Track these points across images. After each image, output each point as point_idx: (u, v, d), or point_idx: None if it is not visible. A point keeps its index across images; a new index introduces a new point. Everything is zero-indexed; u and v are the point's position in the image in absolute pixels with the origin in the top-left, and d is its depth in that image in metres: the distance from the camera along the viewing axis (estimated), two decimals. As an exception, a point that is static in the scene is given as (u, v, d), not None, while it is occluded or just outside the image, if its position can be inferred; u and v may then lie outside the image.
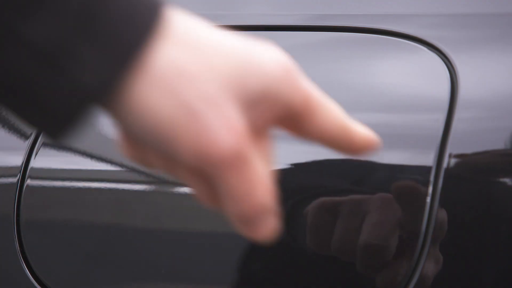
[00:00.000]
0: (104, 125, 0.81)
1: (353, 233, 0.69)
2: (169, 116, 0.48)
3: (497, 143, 0.70)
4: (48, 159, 0.87)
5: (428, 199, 0.68)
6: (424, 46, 0.78)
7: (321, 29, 0.84)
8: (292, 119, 0.52)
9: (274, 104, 0.51)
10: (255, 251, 0.76)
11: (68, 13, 0.45)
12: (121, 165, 0.84)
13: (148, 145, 0.50)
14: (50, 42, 0.45)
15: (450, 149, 0.69)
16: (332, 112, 0.53)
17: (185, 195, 0.81)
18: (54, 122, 0.47)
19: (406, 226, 0.69)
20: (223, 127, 0.48)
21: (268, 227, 0.50)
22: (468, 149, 0.69)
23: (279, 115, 0.51)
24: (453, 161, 0.69)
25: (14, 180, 0.87)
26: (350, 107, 0.87)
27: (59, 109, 0.46)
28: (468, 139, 0.70)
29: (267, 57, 0.51)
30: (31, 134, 0.87)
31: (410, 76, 0.78)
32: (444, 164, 0.68)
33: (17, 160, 0.87)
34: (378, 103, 0.85)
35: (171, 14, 0.49)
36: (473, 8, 0.81)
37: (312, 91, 0.52)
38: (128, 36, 0.46)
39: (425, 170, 0.70)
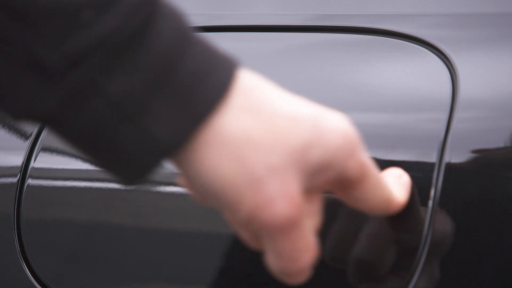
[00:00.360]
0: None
1: (348, 241, 0.69)
2: (233, 180, 0.49)
3: (498, 143, 0.70)
4: (49, 159, 0.87)
5: (430, 203, 0.68)
6: (424, 46, 0.78)
7: (323, 30, 0.84)
8: (343, 185, 0.54)
9: (332, 172, 0.52)
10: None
11: (147, 70, 0.47)
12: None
13: (207, 196, 0.51)
14: (129, 97, 0.47)
15: (451, 149, 0.69)
16: (380, 185, 0.56)
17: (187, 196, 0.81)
18: (129, 169, 0.49)
19: (405, 239, 0.69)
20: (282, 197, 0.50)
21: (304, 277, 0.53)
22: (469, 149, 0.69)
23: (334, 181, 0.53)
24: (453, 161, 0.69)
25: (14, 180, 0.87)
26: (351, 107, 0.88)
27: (134, 159, 0.48)
28: (468, 139, 0.70)
29: (332, 127, 0.52)
30: (31, 134, 0.87)
31: (410, 76, 0.78)
32: (444, 164, 0.68)
33: (17, 160, 0.87)
34: (378, 103, 0.85)
35: (243, 75, 0.50)
36: (473, 8, 0.81)
37: (368, 163, 0.54)
38: (202, 95, 0.48)
39: (427, 170, 0.70)
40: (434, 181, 0.69)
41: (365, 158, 0.54)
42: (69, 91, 0.46)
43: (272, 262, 0.53)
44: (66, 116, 0.47)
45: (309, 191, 0.52)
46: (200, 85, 0.48)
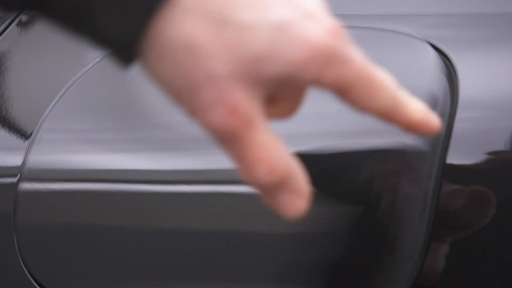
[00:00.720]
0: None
1: None
2: (175, 87, 0.48)
3: (498, 143, 0.70)
4: (48, 159, 0.87)
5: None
6: (425, 46, 0.78)
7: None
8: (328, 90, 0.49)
9: (302, 83, 0.48)
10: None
11: None
12: (119, 166, 0.84)
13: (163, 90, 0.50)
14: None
15: (451, 149, 0.69)
16: (379, 90, 0.49)
17: (183, 196, 0.81)
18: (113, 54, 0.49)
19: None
20: (219, 105, 0.47)
21: (292, 201, 0.48)
22: (469, 149, 0.69)
23: (312, 87, 0.48)
24: (453, 161, 0.69)
25: (14, 180, 0.87)
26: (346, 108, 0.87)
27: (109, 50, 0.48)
28: (468, 139, 0.70)
29: (298, 40, 0.47)
30: (31, 133, 0.87)
31: (410, 76, 0.78)
32: (445, 164, 0.68)
33: (17, 160, 0.87)
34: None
35: None
36: (473, 8, 0.81)
37: (355, 69, 0.48)
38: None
39: (426, 170, 0.70)
40: (434, 180, 0.69)
41: (350, 67, 0.48)
42: None
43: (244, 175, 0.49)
44: (43, 13, 0.48)
45: (279, 96, 0.49)
46: None
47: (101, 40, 0.48)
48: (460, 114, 0.70)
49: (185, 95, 0.48)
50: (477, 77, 0.74)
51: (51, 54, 0.91)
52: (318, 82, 0.47)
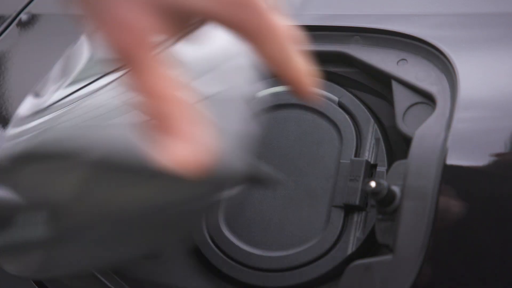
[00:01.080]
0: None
1: None
2: None
3: (498, 144, 0.70)
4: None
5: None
6: (425, 46, 0.78)
7: (327, 29, 0.84)
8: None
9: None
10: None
11: None
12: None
13: None
14: None
15: (450, 149, 0.69)
16: (273, 42, 0.51)
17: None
18: None
19: None
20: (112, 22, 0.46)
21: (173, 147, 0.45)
22: (468, 149, 0.69)
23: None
24: (453, 161, 0.68)
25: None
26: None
27: None
28: (468, 139, 0.70)
29: None
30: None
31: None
32: (445, 164, 0.68)
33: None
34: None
35: None
36: (473, 8, 0.81)
37: (255, 18, 0.49)
38: None
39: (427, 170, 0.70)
40: (434, 179, 0.69)
41: (255, 15, 0.49)
42: None
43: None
44: None
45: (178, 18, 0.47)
46: None
47: None
48: (460, 114, 0.70)
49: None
50: (477, 77, 0.74)
51: (51, 54, 0.91)
52: (220, 20, 0.47)
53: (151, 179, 0.52)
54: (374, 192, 0.68)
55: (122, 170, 0.56)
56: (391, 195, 0.69)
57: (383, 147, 0.80)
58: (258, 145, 0.85)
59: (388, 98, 0.82)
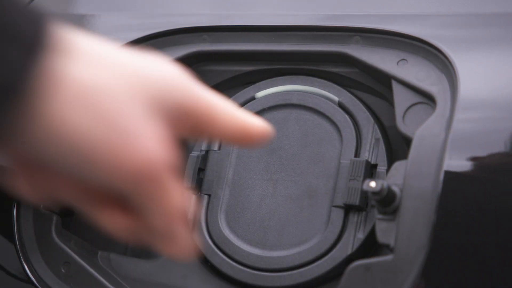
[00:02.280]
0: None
1: None
2: (89, 129, 0.47)
3: (498, 144, 0.70)
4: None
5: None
6: (425, 46, 0.78)
7: (327, 29, 0.84)
8: (194, 125, 0.53)
9: (186, 116, 0.52)
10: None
11: None
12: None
13: (60, 167, 0.48)
14: None
15: (450, 149, 0.69)
16: (229, 115, 0.54)
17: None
18: None
19: None
20: (146, 139, 0.48)
21: (186, 243, 0.52)
22: (468, 150, 0.69)
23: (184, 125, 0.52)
24: (453, 161, 0.68)
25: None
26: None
27: None
28: (468, 139, 0.70)
29: (171, 73, 0.52)
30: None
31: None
32: (445, 164, 0.68)
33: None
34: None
35: (65, 32, 0.48)
36: (473, 8, 0.81)
37: (205, 95, 0.54)
38: (28, 31, 0.45)
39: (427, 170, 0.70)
40: (433, 179, 0.69)
41: (201, 91, 0.54)
42: None
43: (149, 222, 0.51)
44: None
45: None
46: (22, 25, 0.45)
47: None
48: (460, 115, 0.70)
49: (104, 137, 0.47)
50: (477, 77, 0.74)
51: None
52: (186, 103, 0.52)
53: None
54: (374, 192, 0.68)
55: None
56: (391, 195, 0.69)
57: (383, 147, 0.80)
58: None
59: (388, 98, 0.82)
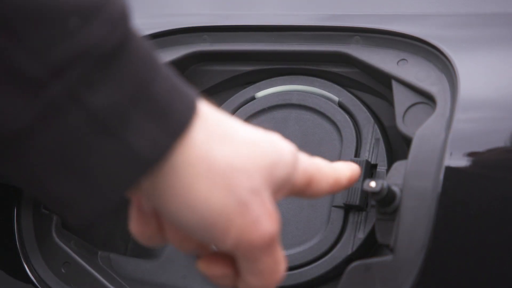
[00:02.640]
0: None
1: None
2: (222, 206, 0.51)
3: (498, 144, 0.69)
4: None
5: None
6: (425, 46, 0.78)
7: (327, 29, 0.84)
8: (297, 193, 0.60)
9: (288, 185, 0.57)
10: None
11: (126, 84, 0.47)
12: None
13: (179, 226, 0.52)
14: (109, 110, 0.46)
15: (450, 149, 0.69)
16: (326, 178, 0.61)
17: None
18: (92, 198, 0.47)
19: None
20: (265, 215, 0.53)
21: None
22: (468, 150, 0.69)
23: (288, 193, 0.58)
24: (453, 161, 0.68)
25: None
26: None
27: (106, 179, 0.47)
28: (468, 139, 0.70)
29: (283, 147, 0.56)
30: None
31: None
32: (445, 164, 0.68)
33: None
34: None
35: (204, 104, 0.52)
36: (473, 8, 0.81)
37: (311, 168, 0.59)
38: (178, 111, 0.49)
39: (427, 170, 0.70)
40: (433, 179, 0.69)
41: (307, 165, 0.59)
42: (49, 103, 0.44)
43: (251, 282, 0.55)
44: (38, 132, 0.44)
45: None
46: (174, 102, 0.49)
47: (126, 155, 0.47)
48: (460, 115, 0.70)
49: (233, 217, 0.51)
50: (477, 77, 0.74)
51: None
52: (296, 179, 0.57)
53: None
54: (374, 192, 0.68)
55: None
56: (391, 195, 0.69)
57: (383, 147, 0.80)
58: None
59: (388, 98, 0.82)
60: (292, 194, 0.59)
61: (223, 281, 0.57)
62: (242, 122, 0.55)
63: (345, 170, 0.64)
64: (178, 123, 0.49)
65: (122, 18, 0.47)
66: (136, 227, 0.55)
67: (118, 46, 0.46)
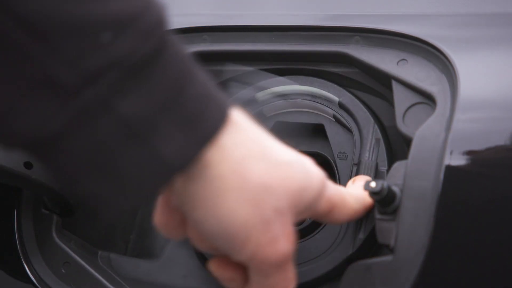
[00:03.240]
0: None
1: None
2: (246, 222, 0.53)
3: (498, 144, 0.70)
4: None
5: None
6: (425, 46, 0.78)
7: (327, 29, 0.84)
8: (318, 217, 0.63)
9: (311, 211, 0.59)
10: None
11: (157, 92, 0.48)
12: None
13: (202, 232, 0.54)
14: (139, 117, 0.48)
15: (450, 149, 0.69)
16: (347, 209, 0.64)
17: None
18: (123, 196, 0.49)
19: None
20: (284, 235, 0.55)
21: None
22: (468, 150, 0.69)
23: (310, 216, 0.61)
24: (453, 161, 0.68)
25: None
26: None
27: (135, 181, 0.49)
28: (468, 139, 0.70)
29: (313, 171, 0.58)
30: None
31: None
32: (445, 165, 0.68)
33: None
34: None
35: (240, 117, 0.54)
36: (473, 8, 0.81)
37: (335, 197, 0.62)
38: (207, 119, 0.50)
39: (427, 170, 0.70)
40: (433, 179, 0.69)
41: (332, 194, 0.61)
42: (81, 110, 0.46)
43: None
44: (70, 137, 0.46)
45: None
46: (204, 110, 0.50)
47: (153, 161, 0.49)
48: (460, 114, 0.70)
49: (253, 232, 0.53)
50: (477, 77, 0.74)
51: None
52: (319, 206, 0.60)
53: None
54: (374, 192, 0.68)
55: None
56: (391, 195, 0.69)
57: (383, 147, 0.80)
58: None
59: (388, 98, 0.82)
60: (311, 217, 0.61)
61: (231, 284, 0.58)
62: (275, 139, 0.56)
63: (366, 202, 0.68)
64: (206, 131, 0.50)
65: (157, 27, 0.48)
66: (160, 218, 0.56)
67: (151, 54, 0.48)
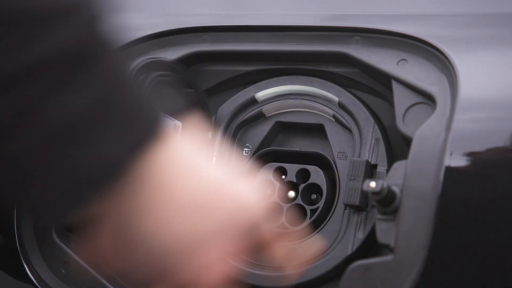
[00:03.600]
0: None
1: None
2: (178, 238, 0.52)
3: (498, 144, 0.70)
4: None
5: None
6: (425, 46, 0.78)
7: (327, 29, 0.84)
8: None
9: (253, 237, 0.57)
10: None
11: (96, 91, 0.48)
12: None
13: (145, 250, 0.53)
14: (79, 117, 0.47)
15: (450, 149, 0.69)
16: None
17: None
18: (58, 204, 0.48)
19: None
20: (218, 260, 0.55)
21: None
22: (468, 150, 0.69)
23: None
24: (453, 161, 0.68)
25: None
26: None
27: (74, 184, 0.48)
28: (468, 139, 0.70)
29: (249, 195, 0.56)
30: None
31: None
32: (445, 165, 0.68)
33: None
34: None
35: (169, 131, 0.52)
36: (473, 8, 0.81)
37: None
38: (144, 122, 0.50)
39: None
40: (433, 179, 0.69)
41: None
42: (22, 103, 0.45)
43: None
44: (16, 130, 0.45)
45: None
46: (141, 115, 0.50)
47: (89, 161, 0.48)
48: (460, 114, 0.70)
49: (189, 251, 0.52)
50: (477, 77, 0.74)
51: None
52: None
53: None
54: (374, 192, 0.68)
55: None
56: (391, 195, 0.69)
57: (383, 147, 0.80)
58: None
59: (388, 98, 0.82)
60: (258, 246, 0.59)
61: None
62: (205, 158, 0.55)
63: None
64: (139, 140, 0.49)
65: (93, 23, 0.48)
66: (83, 246, 0.57)
67: (88, 51, 0.47)
